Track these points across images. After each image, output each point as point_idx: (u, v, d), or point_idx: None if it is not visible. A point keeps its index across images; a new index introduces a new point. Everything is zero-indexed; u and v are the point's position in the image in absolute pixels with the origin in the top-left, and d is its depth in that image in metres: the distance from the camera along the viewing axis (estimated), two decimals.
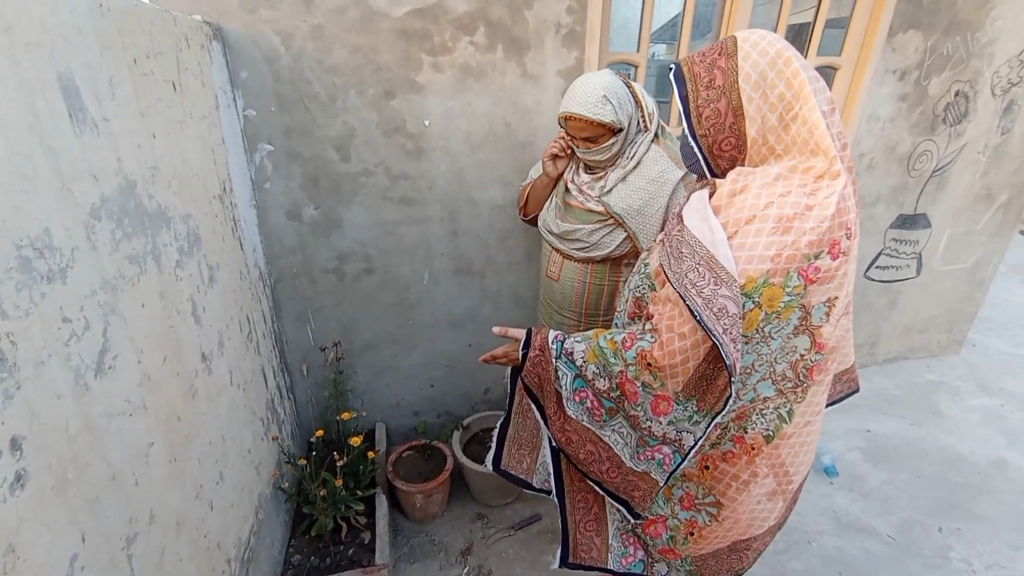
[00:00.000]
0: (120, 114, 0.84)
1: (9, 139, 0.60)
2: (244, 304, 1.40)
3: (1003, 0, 2.01)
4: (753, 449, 0.87)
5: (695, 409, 0.83)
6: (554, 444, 1.04)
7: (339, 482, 1.55)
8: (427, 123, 1.59)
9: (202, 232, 1.15)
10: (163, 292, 0.95)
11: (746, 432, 0.86)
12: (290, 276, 1.69)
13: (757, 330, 0.77)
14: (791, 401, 0.84)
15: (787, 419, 0.85)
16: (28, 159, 0.63)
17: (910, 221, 2.39)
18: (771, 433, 0.86)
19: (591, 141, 1.30)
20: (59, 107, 0.69)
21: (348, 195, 1.63)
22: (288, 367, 1.80)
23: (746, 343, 0.78)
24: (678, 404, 0.84)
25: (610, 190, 1.34)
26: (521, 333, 0.98)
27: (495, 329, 1.01)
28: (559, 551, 1.13)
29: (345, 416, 1.73)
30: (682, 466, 0.91)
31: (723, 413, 0.81)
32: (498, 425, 1.11)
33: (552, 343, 0.94)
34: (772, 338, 0.79)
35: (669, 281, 0.80)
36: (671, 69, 0.89)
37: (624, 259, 1.40)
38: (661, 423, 0.87)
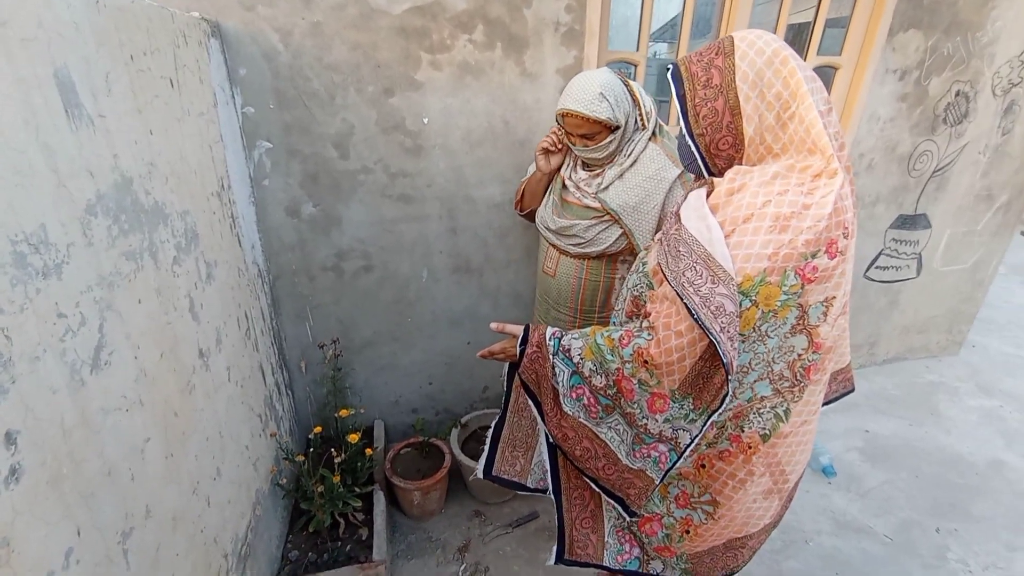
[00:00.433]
0: (117, 111, 0.85)
1: (5, 135, 0.60)
2: (242, 301, 1.40)
3: (1004, 0, 2.00)
4: (750, 448, 0.87)
5: (691, 407, 0.83)
6: (551, 440, 1.04)
7: (337, 479, 1.55)
8: (426, 121, 1.59)
9: (200, 229, 1.15)
10: (160, 288, 0.95)
11: (743, 431, 0.86)
12: (289, 273, 1.69)
13: (754, 328, 0.77)
14: (788, 400, 0.84)
15: (784, 418, 0.85)
16: (24, 155, 0.63)
17: (910, 221, 2.38)
18: (768, 432, 0.86)
19: (588, 139, 1.30)
20: (55, 103, 0.70)
21: (347, 192, 1.63)
22: (287, 364, 1.81)
23: (743, 341, 0.78)
24: (674, 402, 0.84)
25: (607, 187, 1.34)
26: (519, 329, 0.99)
27: (493, 325, 1.01)
28: (555, 548, 1.13)
29: (343, 413, 1.73)
30: (678, 464, 0.91)
31: (720, 411, 0.81)
32: (493, 425, 1.12)
33: (549, 339, 0.95)
34: (769, 336, 0.79)
35: (667, 279, 0.80)
36: (668, 68, 0.89)
37: (620, 256, 1.40)
38: (657, 421, 0.87)
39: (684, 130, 0.86)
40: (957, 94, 2.14)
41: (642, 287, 0.96)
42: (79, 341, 0.71)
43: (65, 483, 0.66)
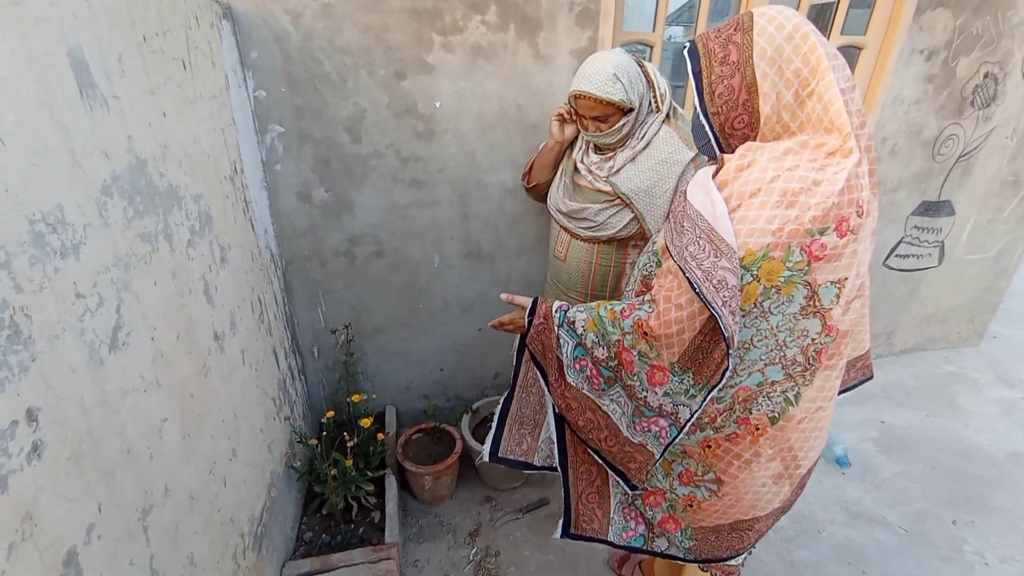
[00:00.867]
0: (130, 92, 0.84)
1: (20, 114, 0.60)
2: (256, 285, 1.41)
3: None
4: (757, 430, 0.87)
5: (691, 382, 0.84)
6: (557, 412, 1.05)
7: (349, 462, 1.57)
8: (438, 104, 1.58)
9: (213, 212, 1.16)
10: (175, 271, 0.96)
11: (751, 413, 0.86)
12: (301, 258, 1.70)
13: (755, 304, 0.77)
14: (799, 384, 0.83)
15: (794, 402, 0.84)
16: (39, 134, 0.63)
17: (933, 208, 2.32)
18: (776, 415, 0.85)
19: (601, 121, 1.28)
20: (69, 83, 0.69)
21: (359, 177, 1.62)
22: (299, 349, 1.82)
23: (744, 316, 0.78)
24: (673, 375, 0.84)
25: (618, 170, 1.33)
26: (527, 301, 1.01)
27: (503, 296, 1.04)
28: (561, 522, 1.15)
29: (356, 398, 1.74)
30: (678, 439, 0.92)
31: (720, 386, 0.81)
32: (501, 401, 1.13)
33: (555, 312, 0.98)
34: (771, 313, 0.78)
35: (671, 255, 0.81)
36: (686, 47, 0.87)
37: (631, 240, 1.39)
38: (657, 393, 0.88)
39: (698, 109, 0.84)
40: (986, 76, 2.06)
41: (651, 266, 0.95)
42: (97, 321, 0.71)
43: (86, 460, 0.67)
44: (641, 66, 1.29)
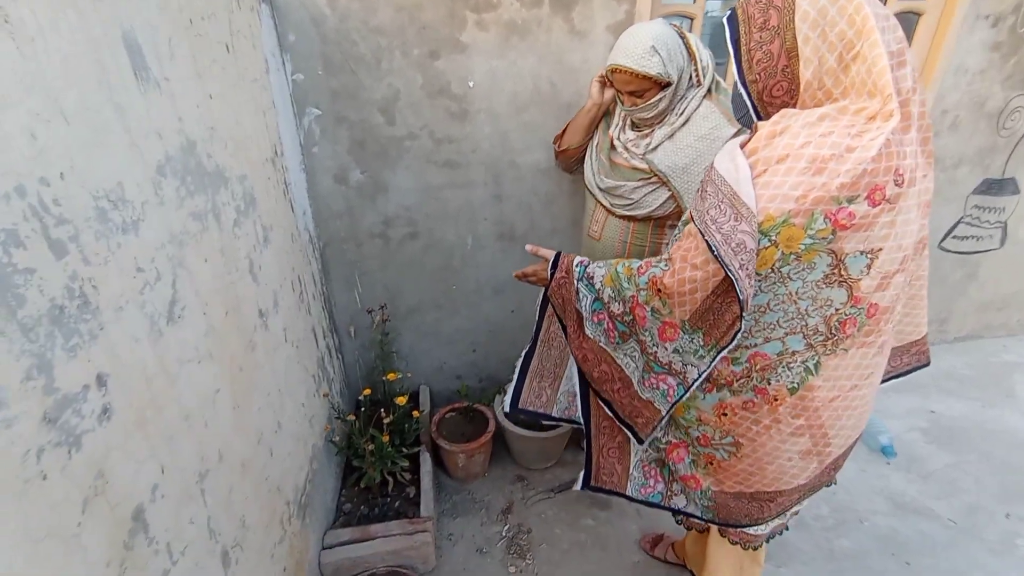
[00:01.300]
0: (179, 74, 0.87)
1: (81, 92, 0.63)
2: (296, 265, 1.45)
3: None
4: (776, 400, 0.86)
5: (701, 343, 0.85)
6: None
7: (386, 438, 1.62)
8: (471, 84, 1.57)
9: (257, 194, 1.19)
10: (223, 249, 0.99)
11: (769, 383, 0.85)
12: (338, 240, 1.73)
13: (772, 269, 0.76)
14: (819, 354, 0.82)
15: (814, 371, 0.83)
16: (99, 114, 0.66)
17: (996, 186, 2.16)
18: (796, 385, 0.84)
19: (637, 96, 1.25)
20: (124, 64, 0.72)
21: (393, 159, 1.63)
22: (336, 328, 1.87)
23: (760, 280, 0.77)
24: (684, 333, 0.86)
25: (655, 148, 1.29)
26: (551, 254, 1.06)
27: (528, 247, 1.11)
28: (582, 473, 1.18)
29: (391, 377, 1.79)
30: (685, 397, 0.93)
31: (730, 347, 0.82)
32: (522, 355, 1.18)
33: (576, 266, 1.01)
34: (791, 279, 0.77)
35: (693, 219, 0.82)
36: (728, 14, 0.84)
37: (667, 220, 1.35)
38: (667, 350, 0.90)
39: (736, 77, 0.83)
40: None
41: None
42: (156, 295, 0.75)
43: (149, 425, 0.71)
44: (683, 37, 1.24)
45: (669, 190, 1.30)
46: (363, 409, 1.68)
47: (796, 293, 0.78)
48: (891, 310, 0.82)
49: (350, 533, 1.52)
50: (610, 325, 0.97)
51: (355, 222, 1.71)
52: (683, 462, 1.04)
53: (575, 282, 1.00)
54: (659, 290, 0.85)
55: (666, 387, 0.94)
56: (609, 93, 1.39)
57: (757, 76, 0.80)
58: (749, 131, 0.90)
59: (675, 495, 1.09)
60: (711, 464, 0.99)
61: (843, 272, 0.75)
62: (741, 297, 0.73)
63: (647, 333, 0.91)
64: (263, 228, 1.21)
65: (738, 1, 0.84)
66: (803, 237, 0.73)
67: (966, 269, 2.39)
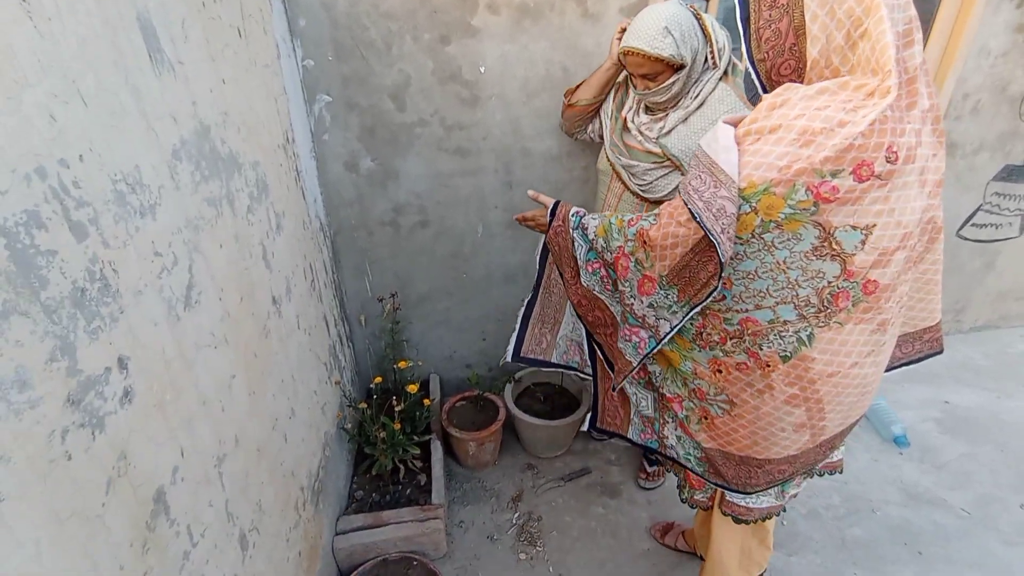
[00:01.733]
0: (193, 58, 0.86)
1: (98, 74, 0.62)
2: (307, 253, 1.45)
3: None
4: (768, 366, 0.87)
5: (676, 298, 0.90)
6: None
7: (397, 426, 1.63)
8: (483, 70, 1.55)
9: (269, 180, 1.19)
10: (237, 235, 0.99)
11: (761, 349, 0.87)
12: (348, 228, 1.73)
13: (754, 235, 0.78)
14: (812, 325, 0.83)
15: (807, 343, 0.84)
16: (116, 96, 0.65)
17: (1017, 173, 2.11)
18: (788, 354, 0.85)
19: (650, 79, 1.22)
20: (140, 47, 0.71)
21: (404, 146, 1.62)
22: (347, 316, 1.88)
23: (743, 245, 0.80)
24: (660, 288, 0.91)
25: (669, 132, 1.28)
26: (551, 201, 1.11)
27: (529, 192, 1.15)
28: (589, 415, 1.25)
29: (402, 365, 1.79)
30: (655, 350, 0.98)
31: (702, 304, 0.86)
32: (524, 303, 1.23)
33: (572, 215, 1.06)
34: (776, 248, 0.78)
35: (679, 190, 0.88)
36: None
37: None
38: (643, 303, 0.95)
39: (746, 55, 0.84)
40: None
41: None
42: (173, 279, 0.75)
43: (169, 408, 0.72)
44: (699, 18, 1.21)
45: (682, 175, 1.28)
46: (374, 397, 1.68)
47: (784, 262, 0.79)
48: (892, 288, 0.81)
49: (362, 519, 1.53)
50: (604, 274, 1.03)
51: (365, 210, 1.71)
52: (679, 414, 1.07)
53: (570, 231, 1.06)
54: (644, 242, 0.90)
55: (638, 339, 1.00)
56: None
57: (766, 54, 0.81)
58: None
59: (669, 448, 1.13)
60: (705, 419, 1.02)
61: (834, 246, 0.76)
62: (722, 259, 0.77)
63: (627, 284, 0.96)
64: (276, 215, 1.21)
65: None
66: (783, 206, 0.74)
67: (984, 258, 2.35)
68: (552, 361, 1.27)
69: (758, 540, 1.21)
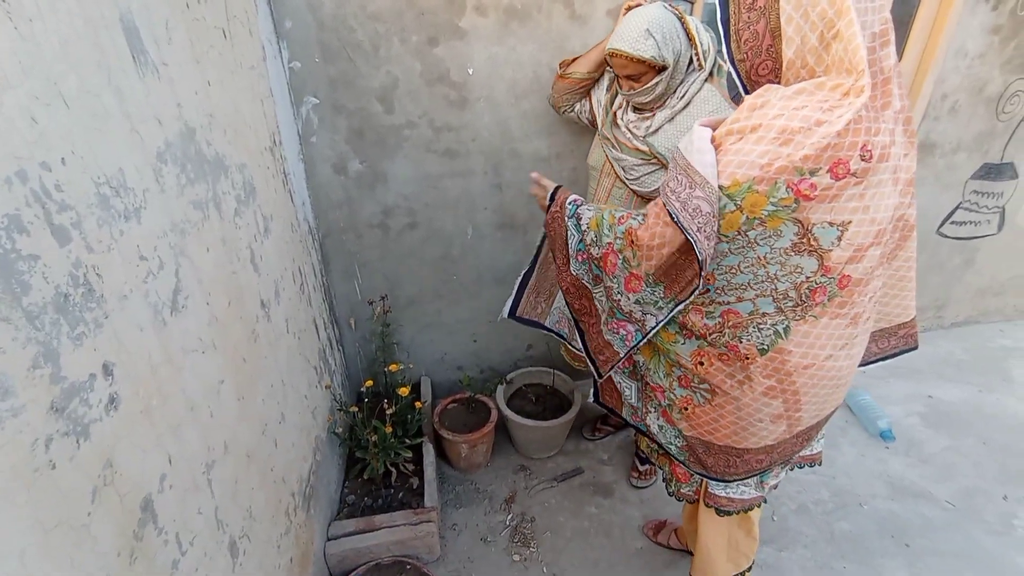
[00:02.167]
0: (177, 59, 0.85)
1: (81, 76, 0.61)
2: (296, 256, 1.44)
3: None
4: (747, 359, 0.90)
5: (662, 295, 0.92)
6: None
7: (389, 429, 1.62)
8: (471, 71, 1.55)
9: (256, 183, 1.18)
10: (224, 239, 0.98)
11: (740, 341, 0.89)
12: (337, 231, 1.72)
13: (739, 232, 0.80)
14: (789, 319, 0.85)
15: (783, 335, 0.86)
16: (99, 98, 0.64)
17: (995, 171, 2.17)
18: (766, 347, 0.88)
19: (634, 80, 1.24)
20: (123, 47, 0.70)
21: (392, 148, 1.62)
22: (337, 320, 1.86)
23: (728, 242, 0.81)
24: (647, 286, 0.93)
25: (655, 131, 1.30)
26: (551, 185, 1.15)
27: (532, 175, 1.20)
28: (592, 389, 1.27)
29: (393, 368, 1.78)
30: (642, 343, 1.01)
31: (687, 302, 0.89)
32: (520, 275, 1.28)
33: (569, 203, 1.08)
34: (758, 244, 0.80)
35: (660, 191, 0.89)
36: None
37: None
38: (629, 300, 0.97)
39: (726, 56, 0.86)
40: None
41: None
42: (159, 283, 0.74)
43: (156, 414, 0.71)
44: (682, 21, 1.23)
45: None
46: (365, 400, 1.67)
47: (765, 258, 0.81)
48: (865, 283, 0.84)
49: (354, 524, 1.52)
50: (590, 267, 1.05)
51: (354, 212, 1.70)
52: (661, 402, 1.09)
53: (566, 219, 1.07)
54: (632, 241, 0.91)
55: (625, 332, 1.03)
56: None
57: (745, 55, 0.83)
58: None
59: (654, 435, 1.15)
60: (686, 409, 1.04)
61: (812, 242, 0.79)
62: (700, 257, 0.79)
63: (615, 280, 0.98)
64: (263, 218, 1.20)
65: None
66: (765, 204, 0.76)
67: (964, 255, 2.40)
68: (545, 325, 1.33)
69: (744, 531, 1.23)
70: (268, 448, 1.10)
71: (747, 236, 0.80)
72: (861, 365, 1.01)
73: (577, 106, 1.51)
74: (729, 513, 1.16)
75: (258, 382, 1.08)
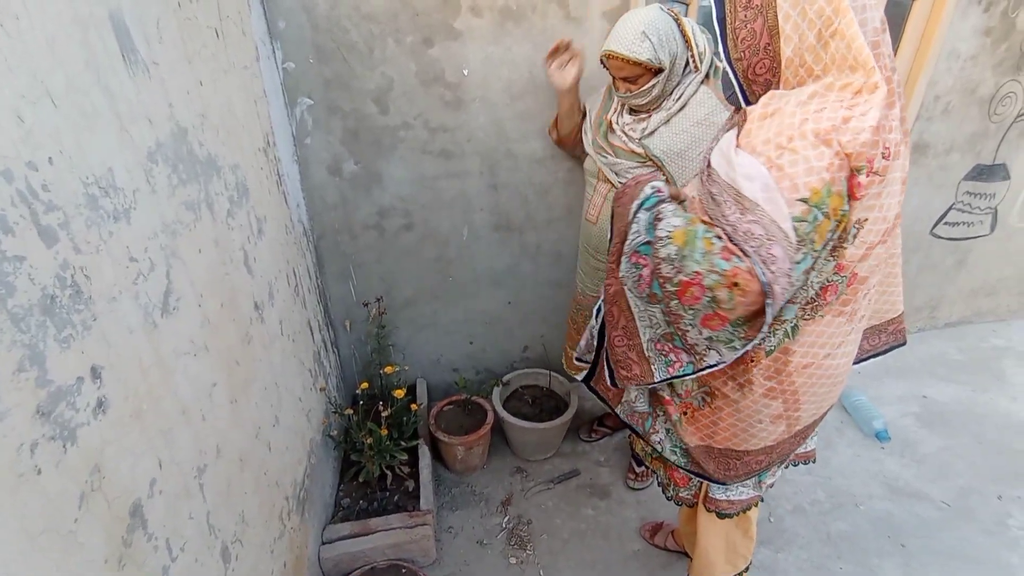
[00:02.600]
0: (169, 58, 0.84)
1: (69, 74, 0.60)
2: (290, 258, 1.43)
3: None
4: (752, 361, 0.88)
5: (743, 335, 0.82)
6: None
7: (384, 432, 1.60)
8: (466, 72, 1.54)
9: (250, 184, 1.16)
10: (217, 240, 0.97)
11: (755, 347, 0.87)
12: (332, 232, 1.71)
13: (827, 241, 0.77)
14: (799, 318, 0.84)
15: (791, 334, 0.85)
16: (88, 97, 0.64)
17: (987, 172, 2.18)
18: (772, 348, 0.87)
19: (631, 82, 1.24)
20: (112, 46, 0.69)
21: (387, 149, 1.61)
22: (332, 322, 1.85)
23: (812, 255, 0.77)
24: (731, 326, 0.82)
25: (651, 133, 1.30)
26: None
27: None
28: (586, 372, 1.17)
29: (389, 370, 1.77)
30: (689, 377, 0.92)
31: (755, 340, 0.81)
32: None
33: (649, 188, 0.87)
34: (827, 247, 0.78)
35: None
36: None
37: None
38: (702, 334, 0.84)
39: (723, 55, 0.85)
40: None
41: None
42: (150, 285, 0.73)
43: (146, 418, 0.69)
44: (678, 23, 1.23)
45: (664, 175, 1.30)
46: (361, 403, 1.66)
47: (814, 264, 0.79)
48: (867, 281, 0.84)
49: (350, 527, 1.50)
50: (648, 278, 0.85)
51: (349, 214, 1.69)
52: (671, 417, 1.06)
53: (634, 205, 0.86)
54: (736, 284, 0.75)
55: (675, 359, 0.90)
56: (572, 71, 1.40)
57: (742, 54, 0.82)
58: (734, 109, 0.91)
59: (656, 431, 1.10)
60: (685, 413, 1.02)
61: (844, 243, 0.78)
62: (763, 280, 0.73)
63: (689, 311, 0.82)
64: (257, 219, 1.19)
65: None
66: (843, 204, 0.74)
67: (957, 256, 2.42)
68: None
69: (742, 532, 1.23)
70: (262, 451, 1.09)
71: (828, 243, 0.77)
72: (854, 363, 1.01)
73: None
74: (730, 516, 1.15)
75: (251, 385, 1.07)
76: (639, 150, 1.32)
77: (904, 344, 1.13)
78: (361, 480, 1.64)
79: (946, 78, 1.93)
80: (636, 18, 1.19)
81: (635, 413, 1.15)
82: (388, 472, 1.65)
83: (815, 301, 0.83)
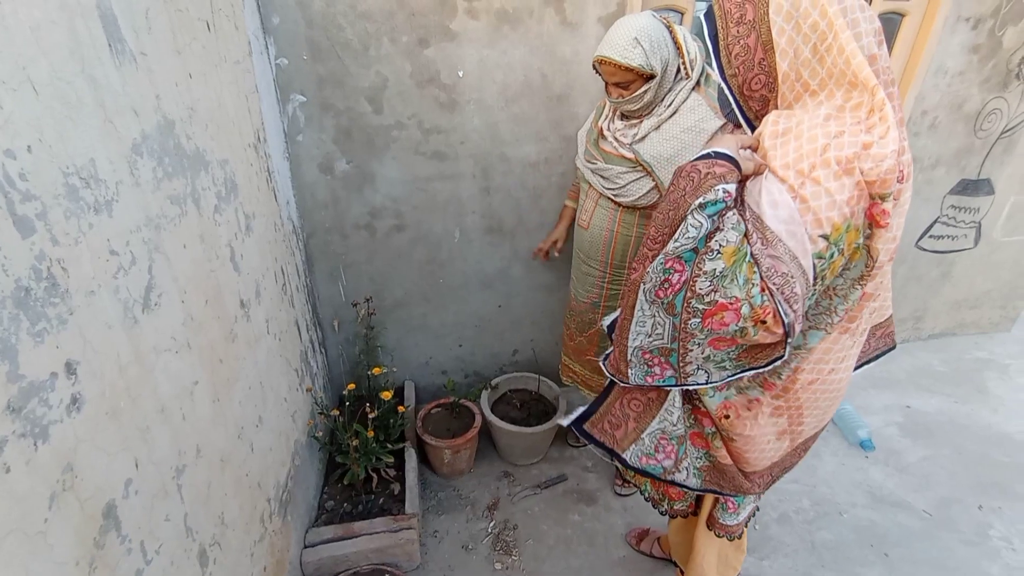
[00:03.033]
0: (158, 50, 0.83)
1: (53, 62, 0.59)
2: (279, 256, 1.41)
3: None
4: (767, 381, 0.88)
5: (734, 356, 0.80)
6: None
7: (371, 434, 1.58)
8: (461, 74, 1.54)
9: (239, 180, 1.15)
10: (203, 235, 0.95)
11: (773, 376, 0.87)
12: (322, 231, 1.69)
13: (840, 275, 0.77)
14: (807, 332, 0.84)
15: (798, 349, 0.85)
16: (71, 86, 0.62)
17: (972, 187, 2.22)
18: (781, 371, 0.86)
19: (623, 88, 1.26)
20: (99, 35, 0.68)
21: (380, 149, 1.60)
22: (320, 322, 1.83)
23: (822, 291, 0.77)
24: (735, 348, 0.79)
25: (642, 138, 1.31)
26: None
27: None
28: (581, 410, 1.07)
29: (376, 371, 1.75)
30: (668, 388, 0.91)
31: (758, 369, 0.80)
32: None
33: (722, 189, 0.73)
34: (839, 277, 0.77)
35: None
36: (705, 10, 0.85)
37: (653, 209, 1.36)
38: (701, 353, 0.80)
39: (717, 72, 0.84)
40: None
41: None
42: (131, 280, 0.71)
43: (123, 416, 0.68)
44: (670, 30, 1.24)
45: (653, 181, 1.31)
46: (347, 404, 1.64)
47: (834, 289, 0.78)
48: (872, 297, 0.84)
49: (333, 531, 1.48)
50: (676, 287, 0.76)
51: (340, 213, 1.67)
52: (708, 428, 1.01)
53: (694, 202, 0.73)
54: (763, 321, 0.72)
55: (658, 370, 0.86)
56: (569, 209, 1.63)
57: (736, 70, 0.81)
58: (728, 123, 0.90)
59: (677, 471, 1.02)
60: (713, 434, 1.01)
61: (871, 270, 0.76)
62: (786, 320, 0.70)
63: (703, 332, 0.76)
64: (245, 216, 1.17)
65: None
66: (857, 238, 0.73)
67: (941, 268, 2.45)
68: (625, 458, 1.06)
69: (735, 546, 1.22)
70: (244, 452, 1.07)
71: (840, 276, 0.77)
72: None
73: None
74: (739, 536, 1.15)
75: (235, 384, 1.05)
76: (629, 155, 1.33)
77: (894, 348, 1.14)
78: (346, 482, 1.62)
79: (933, 94, 1.96)
80: (629, 24, 1.20)
81: (660, 450, 1.02)
82: (374, 475, 1.63)
83: (830, 319, 0.82)
